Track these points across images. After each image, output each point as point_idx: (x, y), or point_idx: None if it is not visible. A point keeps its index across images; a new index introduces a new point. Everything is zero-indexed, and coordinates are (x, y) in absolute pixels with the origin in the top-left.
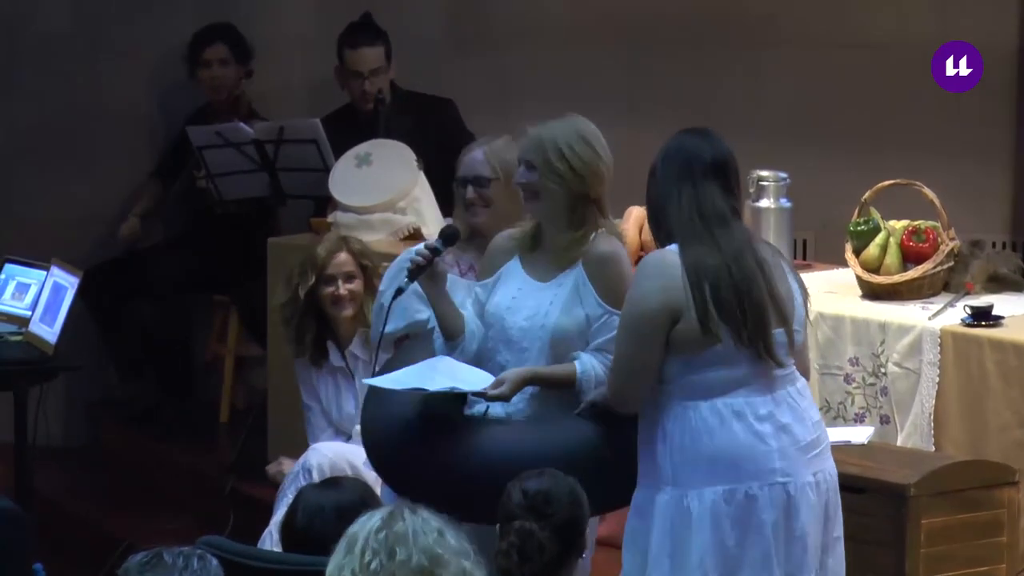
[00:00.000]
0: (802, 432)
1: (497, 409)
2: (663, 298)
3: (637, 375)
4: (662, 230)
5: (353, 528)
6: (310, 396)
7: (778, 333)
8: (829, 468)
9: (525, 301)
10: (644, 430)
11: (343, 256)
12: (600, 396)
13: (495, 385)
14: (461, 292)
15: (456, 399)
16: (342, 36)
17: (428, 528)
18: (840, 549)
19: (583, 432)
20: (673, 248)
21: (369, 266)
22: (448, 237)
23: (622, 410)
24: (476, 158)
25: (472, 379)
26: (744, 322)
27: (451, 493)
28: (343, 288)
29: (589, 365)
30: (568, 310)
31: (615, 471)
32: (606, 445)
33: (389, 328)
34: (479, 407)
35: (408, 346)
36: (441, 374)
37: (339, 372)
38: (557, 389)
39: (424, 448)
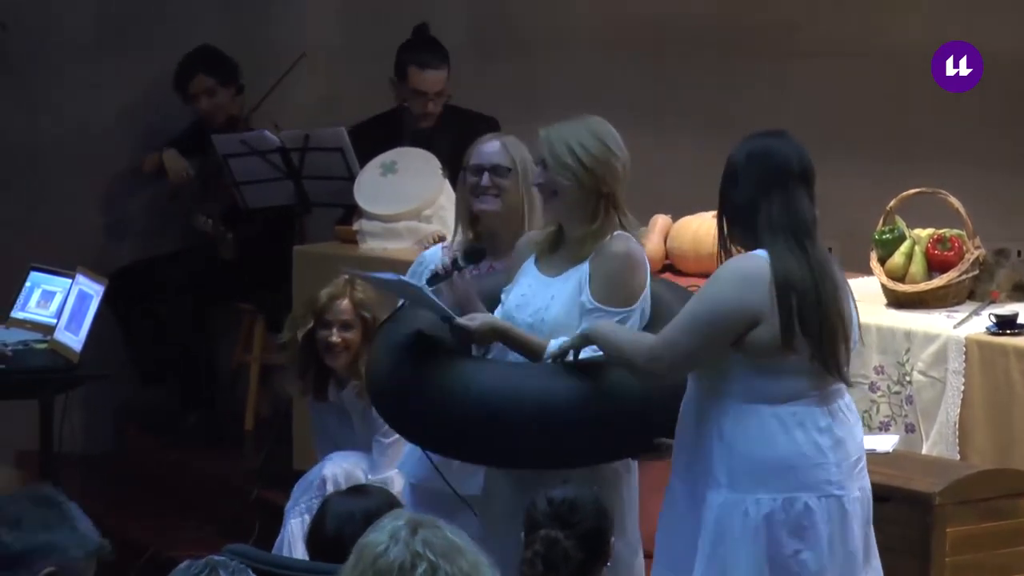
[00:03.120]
0: (852, 447)
1: None
2: (745, 302)
3: (689, 364)
4: (746, 235)
5: (365, 538)
6: (317, 420)
7: (841, 350)
8: (868, 484)
9: (533, 298)
10: (693, 425)
11: (344, 304)
12: (577, 340)
13: (468, 318)
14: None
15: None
16: (408, 51)
17: (418, 561)
18: (877, 563)
19: (590, 380)
20: (760, 253)
21: (368, 318)
22: (472, 255)
23: (650, 379)
24: (494, 147)
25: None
26: (821, 338)
27: (446, 426)
28: (337, 336)
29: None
30: (568, 305)
31: (615, 424)
32: (608, 398)
33: None
34: None
35: None
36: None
37: (338, 409)
38: (521, 354)
39: (420, 376)
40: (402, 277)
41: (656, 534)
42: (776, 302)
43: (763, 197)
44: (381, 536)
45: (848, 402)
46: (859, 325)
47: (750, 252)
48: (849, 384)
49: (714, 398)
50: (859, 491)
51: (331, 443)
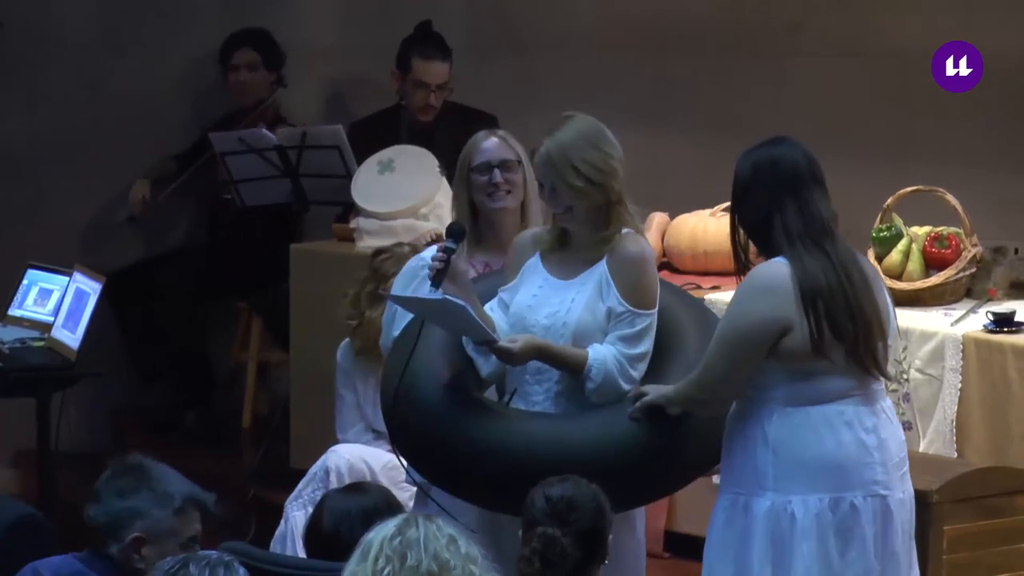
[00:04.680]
0: (896, 449)
1: (519, 404)
2: (773, 313)
3: (733, 384)
4: (764, 248)
5: (368, 536)
6: (345, 387)
7: (879, 347)
8: (911, 489)
9: (547, 299)
10: (738, 434)
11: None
12: (659, 399)
13: (509, 340)
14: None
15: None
16: (412, 43)
17: (440, 535)
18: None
19: (622, 431)
20: (779, 260)
21: None
22: (457, 233)
23: (706, 411)
24: (495, 143)
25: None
26: (856, 339)
27: (487, 485)
28: None
29: (601, 354)
30: (591, 307)
31: (647, 471)
32: (645, 446)
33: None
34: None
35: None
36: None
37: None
38: (562, 369)
39: (458, 440)
40: (448, 297)
41: (704, 551)
42: (802, 309)
43: (776, 208)
44: (387, 527)
45: (888, 404)
46: (895, 315)
47: (769, 261)
48: (890, 380)
49: (757, 405)
50: (902, 494)
51: (357, 416)
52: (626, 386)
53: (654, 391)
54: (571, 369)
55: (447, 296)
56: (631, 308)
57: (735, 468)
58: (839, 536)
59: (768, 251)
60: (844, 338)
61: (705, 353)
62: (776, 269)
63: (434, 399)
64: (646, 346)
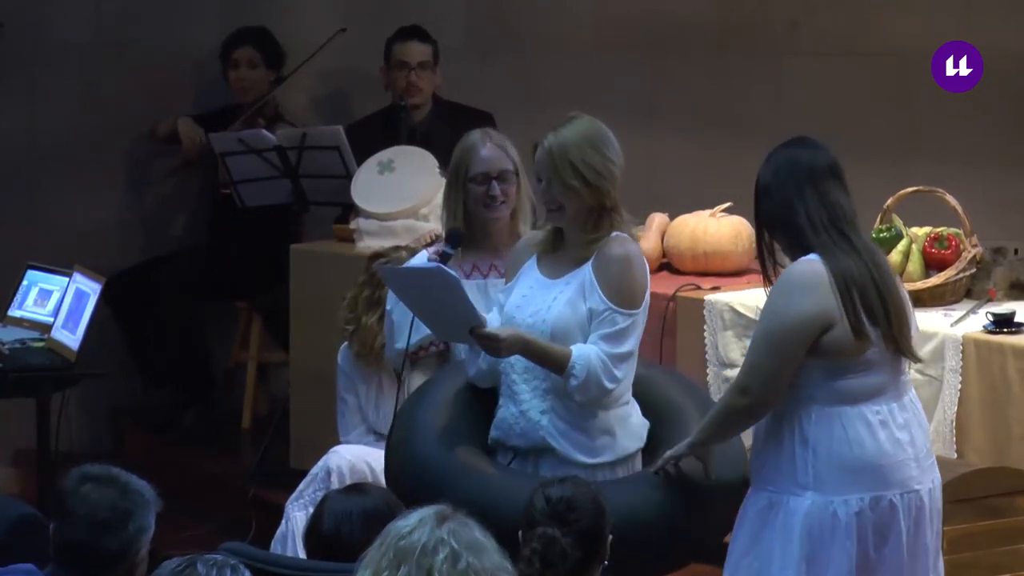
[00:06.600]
0: (924, 440)
1: (508, 406)
2: (815, 309)
3: (778, 384)
4: (789, 239)
5: (393, 524)
6: (348, 389)
7: (908, 331)
8: (938, 476)
9: (533, 298)
10: (773, 434)
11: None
12: (682, 450)
13: (497, 329)
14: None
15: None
16: (391, 36)
17: (442, 548)
18: (941, 565)
19: (640, 500)
20: (813, 257)
21: None
22: (455, 239)
23: (754, 419)
24: (494, 152)
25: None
26: (890, 324)
27: None
28: None
29: (585, 352)
30: (572, 305)
31: (660, 541)
32: (662, 515)
33: (402, 345)
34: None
35: (425, 361)
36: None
37: (384, 374)
38: (545, 366)
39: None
40: (443, 267)
41: (730, 547)
42: (840, 301)
43: (798, 197)
44: (409, 520)
45: (913, 394)
46: (913, 312)
47: (802, 258)
48: (920, 361)
49: (792, 404)
50: (932, 483)
51: (359, 418)
52: (609, 385)
53: (676, 448)
54: (554, 366)
55: (441, 265)
56: (612, 306)
57: (768, 466)
58: (877, 534)
59: (794, 247)
60: (879, 323)
61: (746, 357)
62: (811, 266)
63: (429, 459)
64: (629, 346)
